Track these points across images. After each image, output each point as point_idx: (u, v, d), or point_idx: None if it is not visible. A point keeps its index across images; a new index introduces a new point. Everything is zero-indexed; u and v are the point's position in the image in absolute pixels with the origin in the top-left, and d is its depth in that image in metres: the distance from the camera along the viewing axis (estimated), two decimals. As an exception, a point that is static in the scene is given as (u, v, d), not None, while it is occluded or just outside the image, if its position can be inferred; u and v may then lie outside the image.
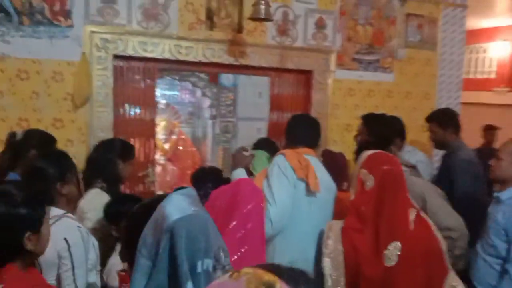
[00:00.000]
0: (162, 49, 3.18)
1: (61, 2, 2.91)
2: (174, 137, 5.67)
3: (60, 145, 2.94)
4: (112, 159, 2.27)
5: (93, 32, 3.00)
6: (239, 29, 3.41)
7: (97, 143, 2.46)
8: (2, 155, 2.32)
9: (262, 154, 2.32)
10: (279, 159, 1.99)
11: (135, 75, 3.24)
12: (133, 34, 3.10)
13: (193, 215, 1.03)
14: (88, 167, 2.29)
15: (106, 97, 3.08)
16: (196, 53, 3.28)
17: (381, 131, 2.86)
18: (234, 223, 1.67)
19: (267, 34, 3.50)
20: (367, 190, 1.81)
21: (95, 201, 2.17)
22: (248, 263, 1.28)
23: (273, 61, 3.54)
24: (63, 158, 1.96)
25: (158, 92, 6.43)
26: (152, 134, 3.39)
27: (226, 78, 6.00)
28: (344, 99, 3.79)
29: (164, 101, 6.28)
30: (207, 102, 6.32)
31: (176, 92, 6.56)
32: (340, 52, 3.76)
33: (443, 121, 3.10)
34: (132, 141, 3.30)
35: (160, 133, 5.37)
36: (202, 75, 6.32)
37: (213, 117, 6.26)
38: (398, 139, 3.06)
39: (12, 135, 2.39)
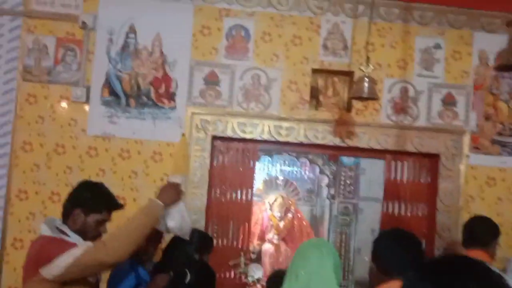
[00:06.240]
0: (262, 130, 3.02)
1: (166, 85, 2.99)
2: (290, 215, 5.33)
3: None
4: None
5: (194, 113, 2.99)
6: (348, 108, 3.08)
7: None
8: None
9: None
10: None
11: (233, 156, 3.12)
12: (233, 115, 3.01)
13: None
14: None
15: (201, 178, 2.98)
16: (297, 133, 3.02)
17: None
18: None
19: (380, 112, 3.08)
20: None
21: None
22: None
23: (388, 142, 3.07)
24: None
25: (277, 168, 6.28)
26: (247, 219, 3.16)
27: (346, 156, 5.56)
28: (481, 191, 3.05)
29: (281, 177, 6.09)
30: (325, 181, 5.92)
31: (295, 168, 6.34)
32: (476, 133, 3.11)
33: None
34: (226, 226, 3.11)
35: (275, 211, 5.12)
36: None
37: (332, 197, 5.81)
38: None
39: None
